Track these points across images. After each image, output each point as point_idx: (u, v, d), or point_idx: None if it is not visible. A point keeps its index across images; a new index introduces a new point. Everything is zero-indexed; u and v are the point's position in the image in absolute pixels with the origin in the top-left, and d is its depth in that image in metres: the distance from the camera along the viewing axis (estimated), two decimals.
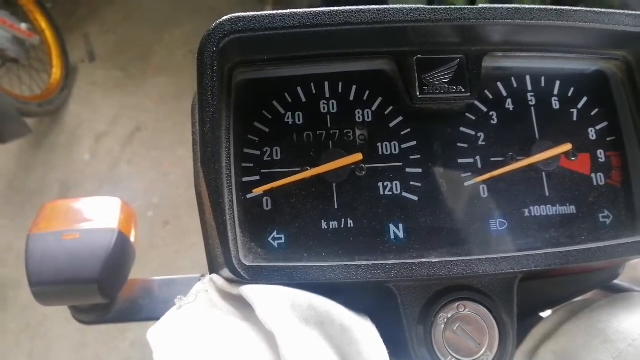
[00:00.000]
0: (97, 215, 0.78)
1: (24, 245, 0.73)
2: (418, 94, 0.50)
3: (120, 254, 0.75)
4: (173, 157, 2.59)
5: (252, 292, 0.43)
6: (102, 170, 2.60)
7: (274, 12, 0.45)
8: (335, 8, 0.46)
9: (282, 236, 0.49)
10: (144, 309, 0.83)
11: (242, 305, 0.46)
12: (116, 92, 2.82)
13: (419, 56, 0.50)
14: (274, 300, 0.43)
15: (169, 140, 2.64)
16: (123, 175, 2.59)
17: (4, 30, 2.43)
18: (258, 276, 0.45)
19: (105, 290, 0.74)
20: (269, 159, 0.50)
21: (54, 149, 2.69)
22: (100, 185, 2.55)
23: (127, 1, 3.10)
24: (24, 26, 2.55)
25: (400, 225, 0.50)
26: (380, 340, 0.43)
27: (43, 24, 2.75)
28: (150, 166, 2.60)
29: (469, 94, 0.50)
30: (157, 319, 0.84)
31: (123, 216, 0.79)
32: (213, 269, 0.52)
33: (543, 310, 0.55)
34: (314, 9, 0.46)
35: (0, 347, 2.23)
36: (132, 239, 0.81)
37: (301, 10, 0.46)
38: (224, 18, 0.45)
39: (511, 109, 0.53)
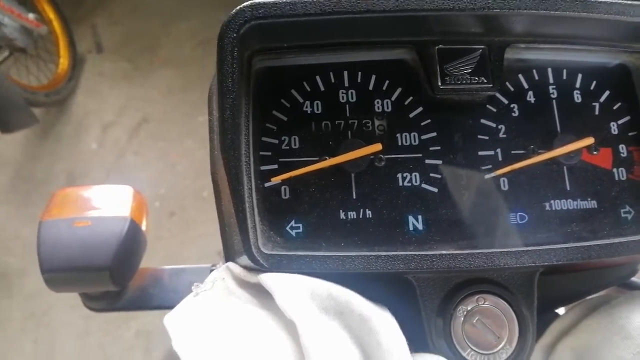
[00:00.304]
0: (108, 202, 0.77)
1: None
2: (440, 84, 0.49)
3: (132, 242, 0.75)
4: (180, 148, 2.59)
5: (271, 280, 0.43)
6: (108, 160, 2.61)
7: None
8: None
9: (300, 225, 0.49)
10: (154, 297, 0.83)
11: (260, 293, 0.46)
12: (123, 83, 2.82)
13: (440, 46, 0.50)
14: (293, 289, 0.42)
15: (175, 131, 2.64)
16: (129, 165, 2.59)
17: (12, 19, 2.43)
18: (277, 264, 0.45)
19: (117, 278, 0.73)
20: (287, 147, 0.50)
21: (61, 139, 2.70)
22: (106, 175, 2.56)
23: None
24: (31, 16, 2.54)
25: (420, 217, 0.49)
26: (400, 331, 0.43)
27: (51, 14, 2.74)
28: (157, 157, 2.60)
29: (490, 85, 0.50)
30: (166, 307, 0.84)
31: (135, 204, 0.79)
32: (229, 257, 0.52)
33: (562, 305, 0.55)
34: None
35: (5, 335, 2.24)
36: (144, 227, 0.80)
37: None
38: (245, 4, 0.45)
39: (532, 102, 0.52)
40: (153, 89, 2.80)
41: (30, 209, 2.43)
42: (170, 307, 0.82)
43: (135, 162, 2.60)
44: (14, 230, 2.42)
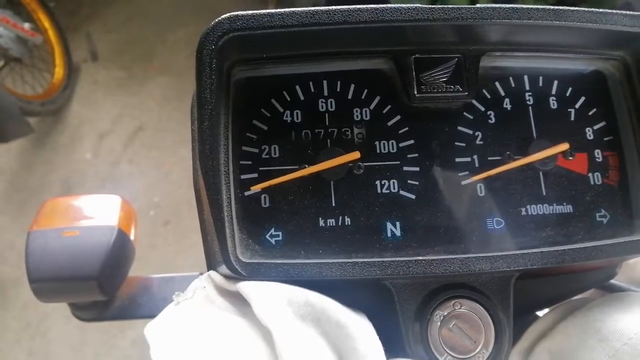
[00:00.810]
0: (96, 212, 0.78)
1: (25, 243, 0.73)
2: (416, 92, 0.50)
3: (119, 252, 0.76)
4: (175, 156, 2.59)
5: (249, 288, 0.43)
6: (103, 169, 2.61)
7: (273, 10, 0.46)
8: (334, 7, 0.46)
9: (280, 233, 0.49)
10: (142, 306, 0.84)
11: (240, 302, 0.46)
12: (118, 92, 2.83)
13: (416, 55, 0.50)
14: (270, 297, 0.43)
15: (170, 140, 2.65)
16: (124, 174, 2.60)
17: (7, 29, 2.45)
18: (255, 272, 0.45)
19: (105, 287, 0.74)
20: (267, 156, 0.51)
21: (56, 148, 2.70)
22: (101, 184, 2.56)
23: (130, 1, 3.11)
24: (27, 25, 2.56)
25: (397, 224, 0.50)
26: (376, 337, 0.43)
27: (46, 23, 2.76)
28: (152, 166, 2.60)
29: (466, 93, 0.50)
30: (155, 316, 0.84)
31: (123, 214, 0.79)
32: (211, 265, 0.52)
33: (539, 309, 0.55)
34: (312, 8, 0.46)
35: (0, 345, 2.23)
36: (132, 236, 0.81)
37: (300, 9, 0.46)
38: (223, 16, 0.45)
39: (509, 109, 0.53)
40: (148, 97, 2.81)
41: (25, 219, 2.43)
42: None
43: (130, 171, 2.61)
44: (9, 240, 2.42)
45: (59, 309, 2.22)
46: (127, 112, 2.76)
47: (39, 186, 2.59)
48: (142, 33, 3.01)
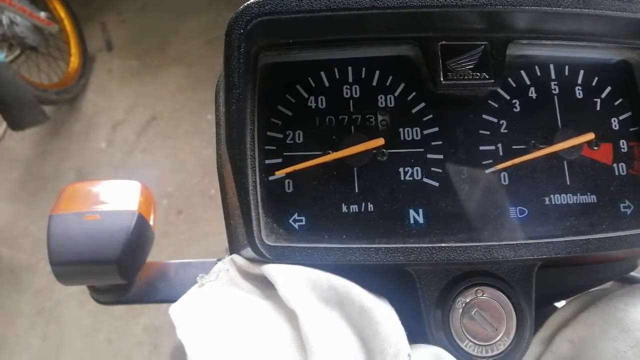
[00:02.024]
0: (117, 197, 0.79)
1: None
2: (442, 80, 0.50)
3: (139, 236, 0.76)
4: (188, 146, 2.60)
5: (274, 271, 0.44)
6: (117, 158, 2.63)
7: None
8: None
9: (303, 218, 0.50)
10: (160, 291, 0.84)
11: (263, 284, 0.47)
12: (133, 81, 2.84)
13: (443, 42, 0.50)
14: (295, 280, 0.43)
15: (184, 129, 2.66)
16: (138, 163, 2.61)
17: (24, 18, 2.46)
18: (280, 256, 0.46)
19: (124, 271, 0.75)
20: (292, 142, 0.51)
21: (71, 137, 2.72)
22: (115, 173, 2.58)
23: None
24: (43, 14, 2.57)
25: (420, 210, 0.50)
26: (399, 322, 0.43)
27: (62, 12, 2.77)
28: (166, 155, 2.62)
29: (492, 81, 0.50)
30: (172, 300, 0.85)
31: (143, 199, 0.80)
32: (234, 249, 0.53)
33: (560, 299, 0.55)
34: None
35: (15, 330, 2.27)
36: (151, 222, 0.82)
37: None
38: (252, 0, 0.46)
39: (534, 98, 0.53)
40: (162, 87, 2.82)
41: (39, 206, 2.46)
42: (176, 300, 0.84)
43: (143, 160, 2.62)
44: (24, 227, 2.45)
45: (72, 295, 2.24)
46: (141, 101, 2.78)
47: (54, 174, 2.61)
48: (156, 23, 3.02)
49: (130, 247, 0.75)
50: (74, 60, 2.78)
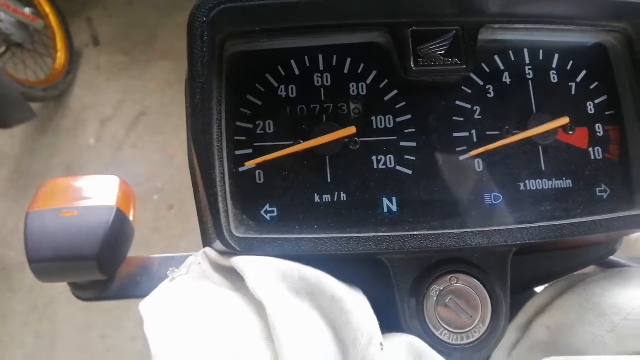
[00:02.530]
0: (95, 193, 0.78)
1: None
2: (413, 66, 0.49)
3: (118, 232, 0.75)
4: (178, 141, 2.59)
5: (242, 262, 0.43)
6: (106, 154, 2.61)
7: None
8: None
9: (275, 209, 0.49)
10: (142, 285, 0.84)
11: (234, 277, 0.46)
12: (121, 77, 2.82)
13: (414, 28, 0.49)
14: (264, 271, 0.43)
15: (173, 124, 2.64)
16: (128, 159, 2.60)
17: (8, 14, 2.43)
18: (249, 247, 0.45)
19: (104, 267, 0.74)
20: (262, 132, 0.50)
21: (59, 134, 2.70)
22: (105, 169, 2.56)
23: None
24: (27, 10, 2.54)
25: (394, 199, 0.49)
26: (371, 311, 0.43)
27: (47, 8, 2.74)
28: (155, 150, 2.60)
29: (464, 67, 0.49)
30: None
31: (121, 194, 0.79)
32: (206, 242, 0.52)
33: (537, 285, 0.55)
34: None
35: (8, 328, 2.26)
36: (131, 217, 0.81)
37: None
38: None
39: (508, 83, 0.52)
40: (150, 81, 2.80)
41: (28, 204, 2.44)
42: None
43: (133, 156, 2.60)
44: (14, 225, 2.43)
45: (65, 293, 2.23)
46: (129, 96, 2.75)
47: (43, 171, 2.59)
48: (143, 17, 2.99)
49: (110, 243, 0.74)
50: (61, 57, 2.75)
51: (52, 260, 0.73)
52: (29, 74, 2.64)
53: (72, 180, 0.80)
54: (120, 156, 2.61)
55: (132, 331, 2.17)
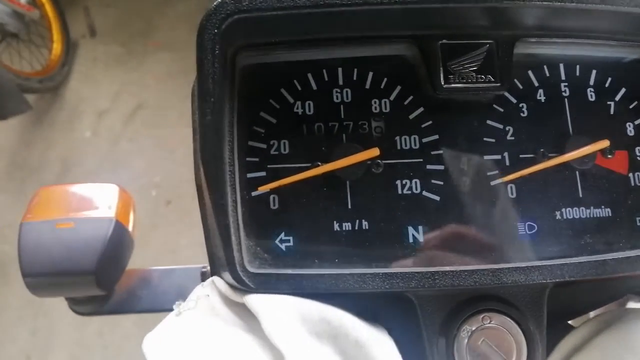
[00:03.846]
0: (93, 203, 0.74)
1: None
2: (443, 83, 0.45)
3: (117, 245, 0.72)
4: (175, 135, 2.53)
5: (258, 302, 0.39)
6: (103, 147, 2.56)
7: None
8: None
9: (290, 238, 0.45)
10: (142, 299, 0.80)
11: (247, 313, 0.42)
12: (117, 68, 2.76)
13: (443, 41, 0.45)
14: (282, 313, 0.39)
15: (171, 117, 2.59)
16: (125, 153, 2.55)
17: (4, 4, 2.37)
18: (264, 284, 0.41)
19: (102, 282, 0.70)
20: (276, 153, 0.46)
21: (55, 126, 2.65)
22: (101, 163, 2.52)
23: None
24: (23, 0, 2.48)
25: (420, 228, 0.45)
26: (399, 356, 0.39)
27: None
28: (153, 144, 2.55)
29: (498, 84, 0.45)
30: (155, 310, 0.81)
31: (121, 204, 0.75)
32: (214, 269, 0.48)
33: (572, 317, 0.51)
34: None
35: (3, 324, 2.22)
36: (130, 228, 0.77)
37: None
38: None
39: (543, 101, 0.48)
40: (148, 73, 2.74)
41: (25, 197, 2.38)
42: (159, 309, 0.79)
43: (130, 150, 2.56)
44: (10, 218, 2.38)
45: None
46: (126, 89, 2.70)
47: (39, 164, 2.55)
48: (141, 7, 2.92)
49: (108, 257, 0.70)
50: (57, 47, 2.69)
51: (48, 275, 0.69)
52: (25, 65, 2.58)
53: (69, 188, 0.76)
54: (117, 150, 2.56)
55: (128, 329, 2.14)
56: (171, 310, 0.44)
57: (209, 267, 0.84)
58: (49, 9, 2.70)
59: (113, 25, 2.89)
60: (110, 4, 2.95)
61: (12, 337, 2.20)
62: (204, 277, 0.81)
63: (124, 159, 2.53)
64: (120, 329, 2.17)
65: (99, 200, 0.74)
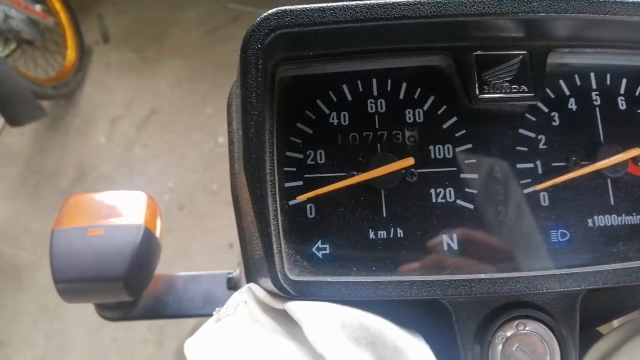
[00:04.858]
0: (121, 210, 0.75)
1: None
2: (478, 93, 0.46)
3: (146, 251, 0.73)
4: (189, 140, 2.56)
5: (300, 310, 0.40)
6: (117, 153, 2.58)
7: (324, 5, 0.42)
8: (391, 0, 0.42)
9: (327, 246, 0.46)
10: (168, 305, 0.82)
11: (286, 320, 0.43)
12: (131, 75, 2.79)
13: (478, 52, 0.46)
14: (323, 320, 0.40)
15: (184, 123, 2.61)
16: (138, 158, 2.57)
17: (19, 11, 2.40)
18: (305, 292, 0.42)
19: (131, 287, 0.72)
20: (313, 162, 0.47)
21: (69, 132, 2.68)
22: (116, 168, 2.54)
23: None
24: (38, 7, 2.51)
25: (455, 236, 0.46)
26: None
27: (57, 5, 2.70)
28: (166, 150, 2.57)
29: (532, 95, 0.46)
30: (182, 315, 0.82)
31: (149, 211, 0.76)
32: (250, 276, 0.49)
33: (603, 322, 0.52)
34: (367, 2, 0.42)
35: (18, 329, 2.24)
36: (158, 234, 0.78)
37: (353, 2, 0.42)
38: (270, 12, 0.41)
39: (574, 110, 0.49)
40: (161, 79, 2.76)
41: (40, 203, 2.42)
42: (185, 315, 0.80)
43: (144, 155, 2.58)
44: (25, 224, 2.41)
45: None
46: (139, 95, 2.72)
47: (53, 170, 2.57)
48: (154, 14, 2.95)
49: (137, 263, 0.71)
50: (71, 54, 2.73)
51: (79, 281, 0.71)
52: (39, 72, 2.61)
53: (97, 196, 0.78)
54: (131, 156, 2.58)
55: (143, 334, 2.16)
56: (198, 316, 0.45)
57: (234, 273, 0.85)
58: (63, 16, 2.73)
59: (126, 32, 2.92)
60: (124, 12, 2.98)
61: (28, 342, 2.22)
62: (229, 283, 0.82)
63: (138, 165, 2.55)
64: (134, 334, 2.18)
65: (127, 208, 0.76)
